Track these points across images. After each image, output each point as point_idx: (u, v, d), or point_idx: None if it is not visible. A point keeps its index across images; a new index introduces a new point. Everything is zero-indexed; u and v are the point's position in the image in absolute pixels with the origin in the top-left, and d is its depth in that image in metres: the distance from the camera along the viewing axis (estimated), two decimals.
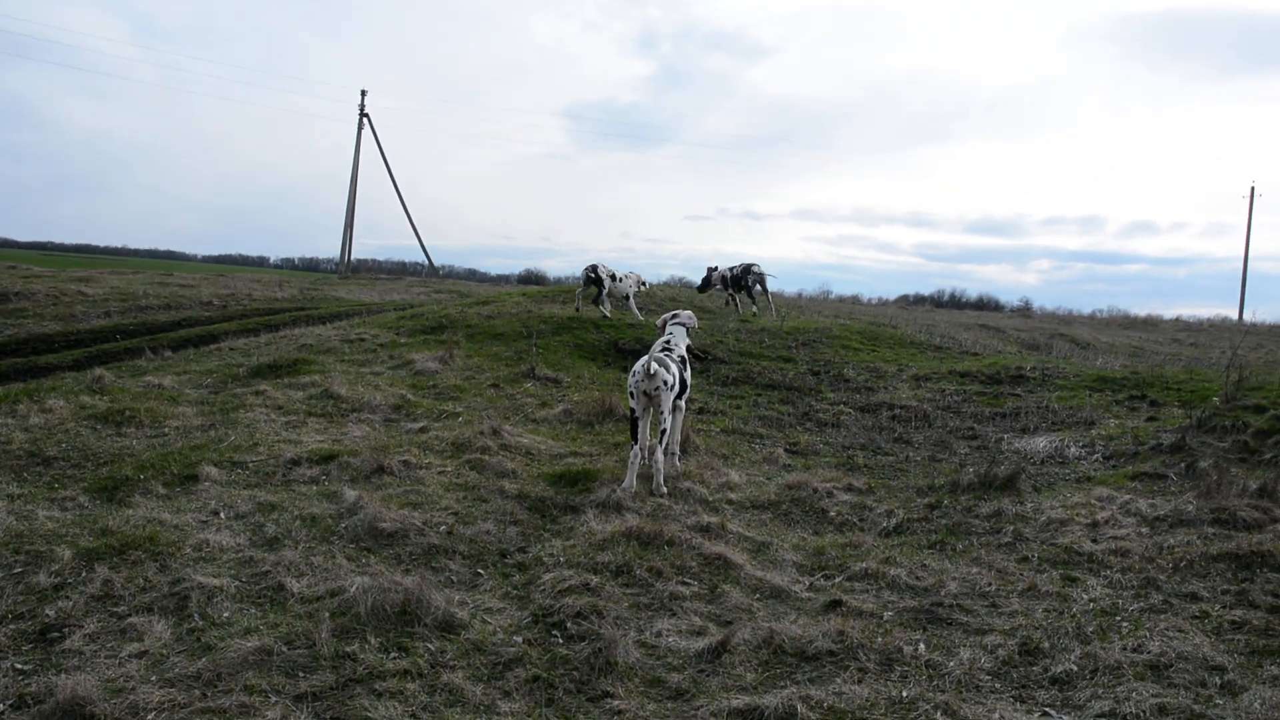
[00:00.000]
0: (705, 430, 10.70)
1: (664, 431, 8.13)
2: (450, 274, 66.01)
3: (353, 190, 52.66)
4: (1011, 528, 7.53)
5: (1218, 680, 4.90)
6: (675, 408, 8.66)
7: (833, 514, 7.96)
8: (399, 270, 64.25)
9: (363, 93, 52.90)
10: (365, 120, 52.64)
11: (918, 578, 6.44)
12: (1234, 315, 48.64)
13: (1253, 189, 57.51)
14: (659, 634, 5.41)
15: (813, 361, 14.82)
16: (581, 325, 16.17)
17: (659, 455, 8.05)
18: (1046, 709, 4.71)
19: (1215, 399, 11.28)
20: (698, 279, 20.73)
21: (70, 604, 5.34)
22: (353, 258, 55.26)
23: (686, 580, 6.20)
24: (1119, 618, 5.78)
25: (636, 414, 8.21)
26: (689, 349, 9.43)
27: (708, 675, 4.98)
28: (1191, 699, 4.67)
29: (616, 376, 12.97)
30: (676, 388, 8.39)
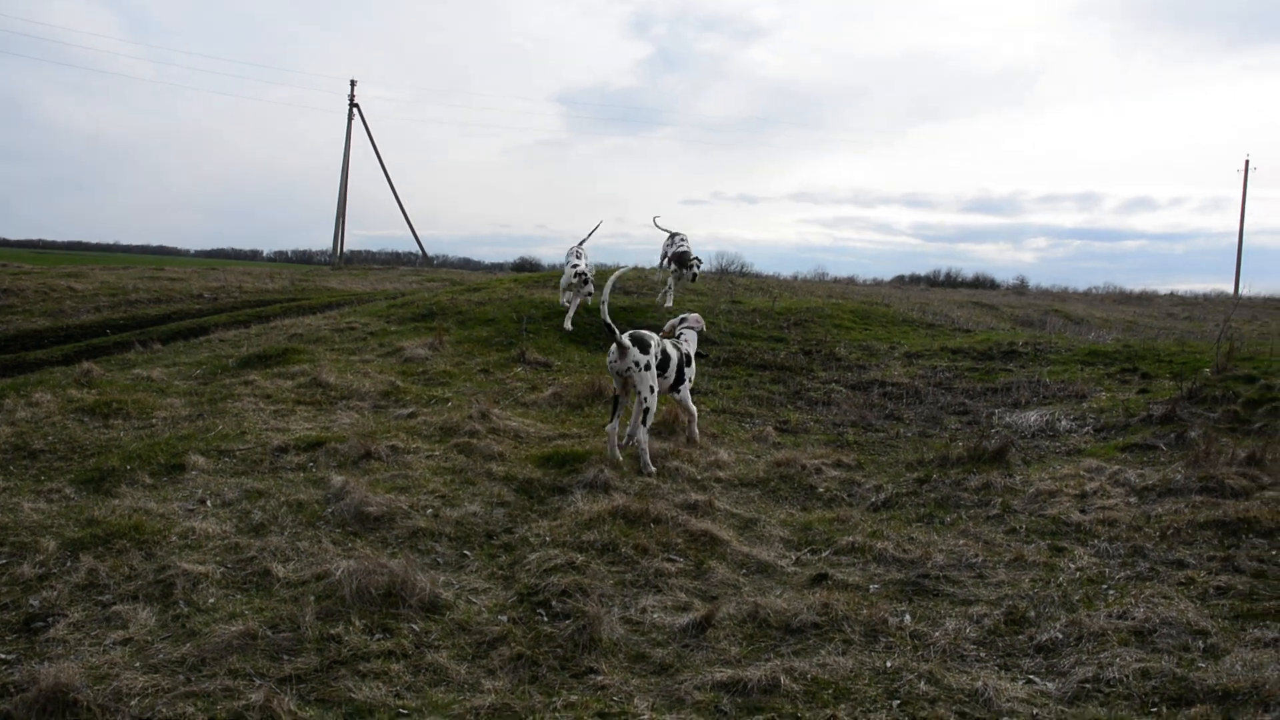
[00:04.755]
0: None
1: (646, 410, 8.11)
2: (444, 263, 65.73)
3: (344, 181, 52.56)
4: (1000, 500, 7.54)
5: (1201, 644, 4.91)
6: (680, 396, 8.92)
7: (821, 490, 7.97)
8: (392, 260, 64.17)
9: (352, 83, 52.70)
10: (355, 110, 52.46)
11: (905, 550, 6.44)
12: (1230, 289, 48.78)
13: (1247, 163, 57.83)
14: (644, 610, 5.42)
15: (804, 341, 14.79)
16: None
17: (641, 435, 8.03)
18: (1031, 676, 4.73)
19: (1206, 370, 11.27)
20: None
21: (55, 594, 5.33)
22: (346, 249, 55.20)
23: (672, 557, 6.21)
24: (1105, 586, 5.79)
25: (617, 393, 8.33)
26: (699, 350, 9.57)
27: (692, 650, 5.00)
28: (1174, 663, 4.69)
29: (606, 359, 12.94)
30: (664, 367, 8.42)
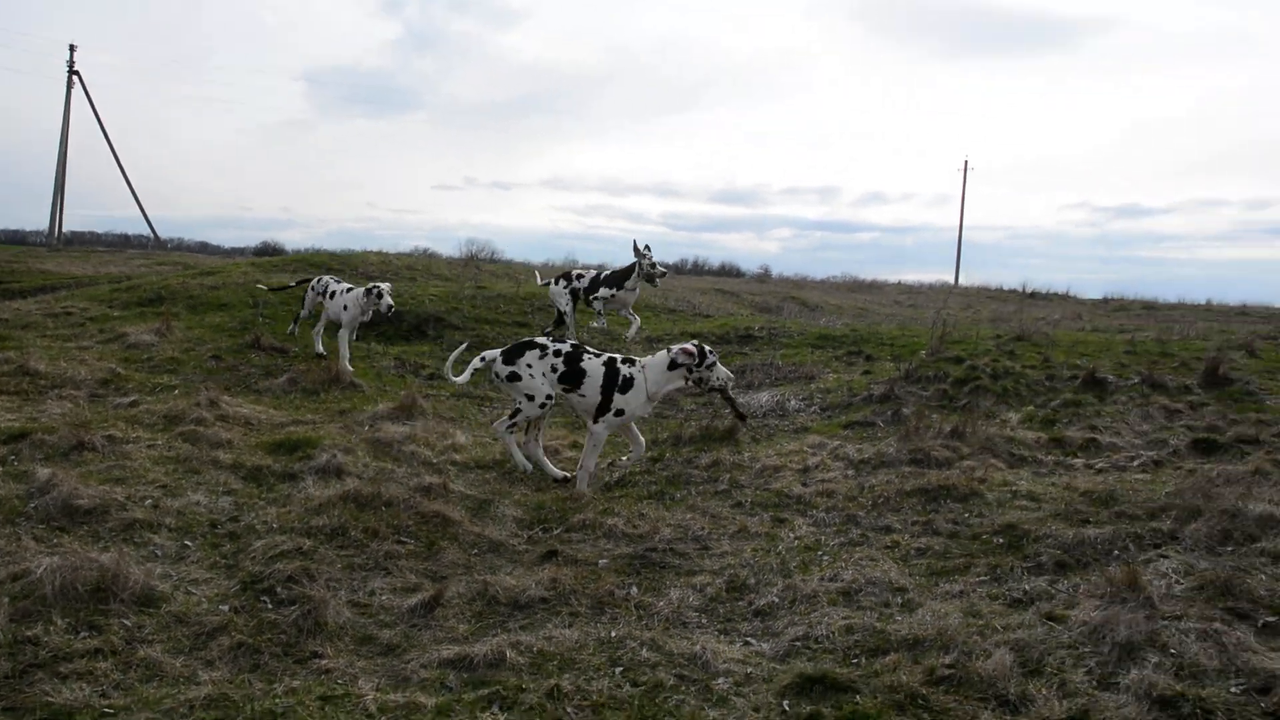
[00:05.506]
0: (434, 395, 10.62)
1: (516, 411, 7.92)
2: (179, 246, 61.94)
3: (62, 155, 48.60)
4: (728, 476, 7.88)
5: (899, 600, 5.35)
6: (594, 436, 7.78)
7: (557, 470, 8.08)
8: (121, 243, 59.86)
9: (71, 48, 48.57)
10: (76, 78, 48.59)
11: (634, 526, 6.65)
12: (952, 279, 52.53)
13: (966, 163, 62.23)
14: (372, 593, 5.38)
15: (546, 326, 14.92)
16: None
17: (497, 424, 8.08)
18: (748, 638, 5.00)
19: (922, 353, 12.15)
20: (444, 250, 18.18)
21: None
22: (66, 229, 51.13)
23: (403, 539, 6.16)
24: (820, 552, 6.18)
25: None
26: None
27: (420, 630, 5.01)
28: (875, 617, 5.07)
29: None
30: (572, 380, 7.83)
